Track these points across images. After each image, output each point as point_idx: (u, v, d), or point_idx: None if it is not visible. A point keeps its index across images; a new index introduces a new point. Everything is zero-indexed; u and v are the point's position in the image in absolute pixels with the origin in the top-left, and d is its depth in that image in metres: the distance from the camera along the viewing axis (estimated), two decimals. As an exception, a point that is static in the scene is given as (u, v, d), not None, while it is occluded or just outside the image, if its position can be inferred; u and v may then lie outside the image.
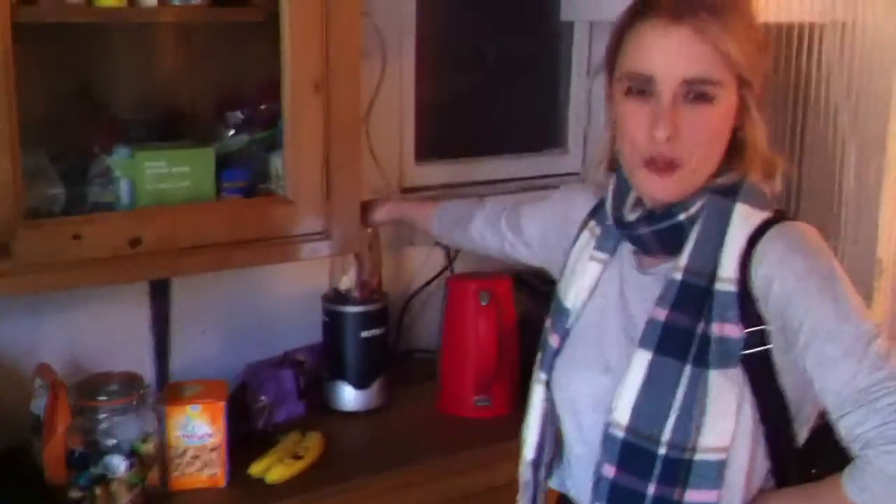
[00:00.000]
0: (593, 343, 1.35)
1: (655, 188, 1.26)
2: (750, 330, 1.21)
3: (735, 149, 1.28)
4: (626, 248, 1.36)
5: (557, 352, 1.38)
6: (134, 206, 1.62)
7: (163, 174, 1.62)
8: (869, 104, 2.58)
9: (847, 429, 1.15)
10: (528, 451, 1.44)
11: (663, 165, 1.23)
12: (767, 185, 1.29)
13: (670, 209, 1.27)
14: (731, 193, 1.26)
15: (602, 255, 1.37)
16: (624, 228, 1.33)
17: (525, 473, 1.45)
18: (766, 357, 1.22)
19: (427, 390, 2.03)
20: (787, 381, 1.22)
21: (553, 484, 1.46)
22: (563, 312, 1.38)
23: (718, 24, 1.20)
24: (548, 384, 1.40)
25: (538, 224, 1.60)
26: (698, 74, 1.20)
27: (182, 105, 1.82)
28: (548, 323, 1.42)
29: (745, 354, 1.21)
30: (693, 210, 1.26)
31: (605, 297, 1.36)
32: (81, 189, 1.62)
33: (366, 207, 1.82)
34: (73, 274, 1.52)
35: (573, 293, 1.38)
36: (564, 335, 1.38)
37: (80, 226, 1.52)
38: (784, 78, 2.37)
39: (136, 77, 1.79)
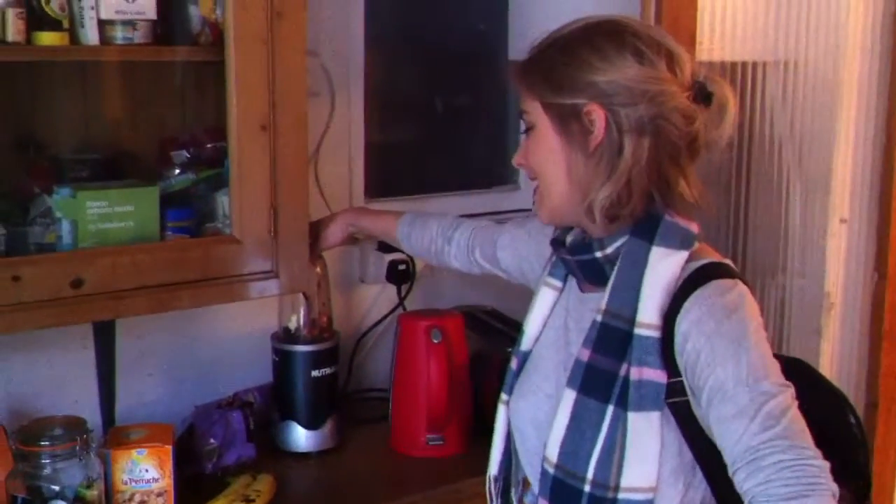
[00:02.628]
0: (539, 371, 1.39)
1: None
2: (674, 380, 1.23)
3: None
4: (573, 278, 1.39)
5: (516, 374, 1.42)
6: (76, 247, 1.59)
7: (105, 214, 1.60)
8: (813, 141, 2.63)
9: (738, 484, 1.16)
10: (493, 466, 1.48)
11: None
12: (689, 221, 1.29)
13: (589, 244, 1.30)
14: (648, 235, 1.26)
15: (555, 282, 1.41)
16: (556, 249, 1.37)
17: (490, 489, 1.50)
18: (689, 406, 1.23)
19: (379, 430, 2.01)
20: (707, 431, 1.23)
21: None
22: (521, 335, 1.43)
23: (530, 61, 1.33)
24: (508, 405, 1.43)
25: (513, 255, 1.62)
26: (521, 107, 1.34)
27: (126, 144, 1.81)
28: None
29: (671, 402, 1.23)
30: (610, 250, 1.28)
31: (553, 327, 1.40)
32: (22, 230, 1.60)
33: (316, 228, 1.80)
34: (12, 317, 1.49)
35: (530, 317, 1.42)
36: (522, 359, 1.42)
37: (20, 267, 1.49)
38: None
39: (78, 116, 1.77)
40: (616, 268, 1.27)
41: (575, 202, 1.29)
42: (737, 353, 1.18)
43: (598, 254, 1.29)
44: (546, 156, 1.30)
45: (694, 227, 1.29)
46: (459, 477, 1.80)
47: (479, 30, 2.43)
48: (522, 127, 1.34)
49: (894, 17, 2.64)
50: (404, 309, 2.19)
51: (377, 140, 2.26)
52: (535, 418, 1.35)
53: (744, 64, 2.49)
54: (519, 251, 1.60)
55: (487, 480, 1.50)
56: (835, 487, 1.12)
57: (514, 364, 1.43)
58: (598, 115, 1.24)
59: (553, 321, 1.40)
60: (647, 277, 1.24)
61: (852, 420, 1.43)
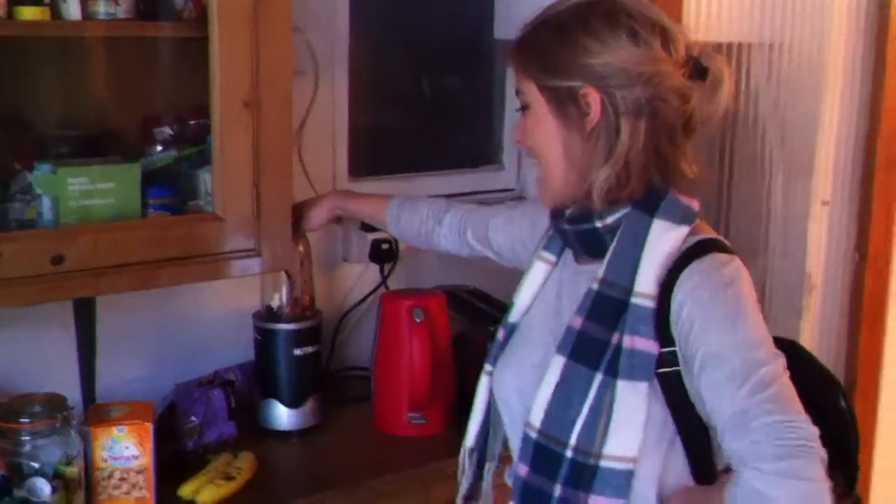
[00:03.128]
0: (527, 342, 1.39)
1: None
2: (666, 350, 1.23)
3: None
4: (569, 251, 1.40)
5: (502, 346, 1.43)
6: (57, 224, 1.58)
7: (86, 191, 1.59)
8: (797, 122, 2.64)
9: (726, 446, 1.18)
10: (469, 438, 1.49)
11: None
12: (691, 199, 1.31)
13: (588, 214, 1.30)
14: (650, 208, 1.28)
15: (549, 256, 1.42)
16: (555, 220, 1.37)
17: (464, 461, 1.51)
18: (680, 377, 1.24)
19: (361, 409, 2.02)
20: (696, 402, 1.25)
21: (508, 480, 1.47)
22: (510, 307, 1.44)
23: (521, 41, 1.32)
24: (492, 375, 1.44)
25: (505, 236, 1.62)
26: (517, 87, 1.34)
27: (108, 121, 1.79)
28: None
29: (661, 372, 1.24)
30: (610, 220, 1.29)
31: (545, 299, 1.40)
32: (2, 206, 1.59)
33: (301, 209, 1.80)
34: (-7, 293, 1.48)
35: (520, 290, 1.43)
36: (510, 330, 1.42)
37: (1, 243, 1.48)
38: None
39: (60, 92, 1.75)
40: (616, 238, 1.28)
41: (574, 184, 1.30)
42: (732, 322, 1.20)
43: (598, 223, 1.29)
44: (544, 137, 1.31)
45: (695, 204, 1.31)
46: (442, 456, 1.81)
47: (465, 10, 2.42)
48: (517, 105, 1.34)
49: (879, 0, 2.64)
50: (387, 288, 2.19)
51: (361, 119, 2.25)
52: (519, 387, 1.36)
53: (729, 45, 2.48)
54: (512, 232, 1.60)
55: (462, 451, 1.51)
56: (823, 453, 1.14)
57: (500, 335, 1.43)
58: (593, 98, 1.25)
59: (544, 294, 1.41)
60: (648, 249, 1.26)
61: (843, 405, 1.45)
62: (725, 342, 1.19)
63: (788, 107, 2.61)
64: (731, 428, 1.16)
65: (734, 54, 2.50)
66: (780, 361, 1.19)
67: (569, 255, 1.40)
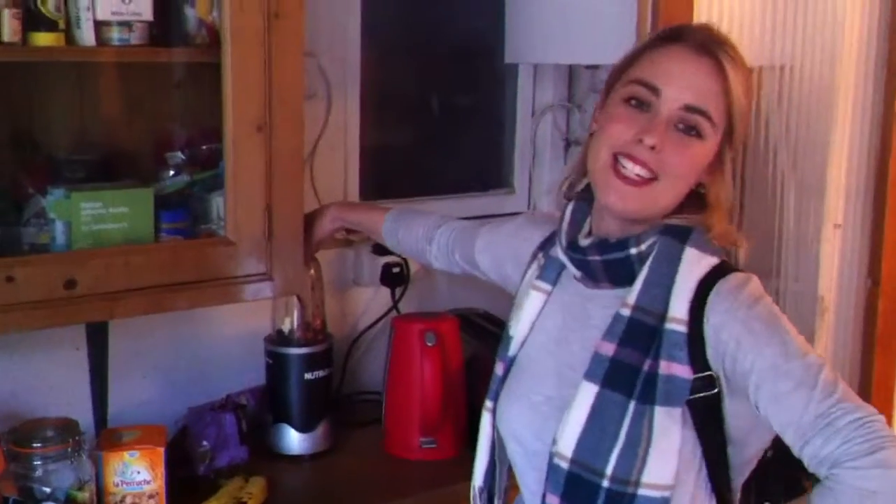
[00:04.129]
0: (532, 374, 1.37)
1: (617, 197, 1.28)
2: (698, 375, 1.23)
3: (692, 204, 1.31)
4: (568, 278, 1.38)
5: (502, 380, 1.41)
6: (70, 248, 1.59)
7: (99, 215, 1.60)
8: (808, 145, 2.63)
9: (811, 454, 1.16)
10: (477, 478, 1.48)
11: (635, 179, 1.26)
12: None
13: (625, 241, 1.29)
14: (682, 236, 1.28)
15: (544, 285, 1.40)
16: (575, 253, 1.34)
17: (476, 500, 1.49)
18: (711, 402, 1.23)
19: (372, 433, 2.01)
20: (732, 426, 1.24)
21: None
22: (507, 340, 1.42)
23: (734, 71, 1.26)
24: (494, 412, 1.41)
25: (491, 257, 1.61)
26: (700, 105, 1.25)
27: (121, 145, 1.80)
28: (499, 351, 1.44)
29: (692, 398, 1.23)
30: (644, 247, 1.28)
31: (545, 330, 1.38)
32: (16, 230, 1.59)
33: (308, 221, 1.79)
34: (5, 318, 1.48)
35: (516, 322, 1.41)
36: (509, 364, 1.41)
37: (14, 268, 1.48)
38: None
39: (73, 117, 1.76)
40: (648, 264, 1.28)
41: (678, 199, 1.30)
42: (777, 333, 1.20)
43: (633, 250, 1.29)
44: (694, 169, 1.29)
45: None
46: (452, 480, 1.80)
47: (476, 33, 2.42)
48: (668, 118, 1.26)
49: (890, 23, 2.65)
50: (398, 312, 2.19)
51: (373, 142, 2.25)
52: (531, 421, 1.34)
53: (740, 68, 2.49)
54: (496, 254, 1.59)
55: (472, 491, 1.49)
56: None
57: (499, 370, 1.41)
58: None
59: (543, 323, 1.39)
60: (681, 275, 1.26)
61: None
62: (780, 353, 1.19)
63: (800, 129, 2.60)
64: (815, 434, 1.15)
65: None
66: (830, 365, 1.19)
67: (567, 281, 1.38)
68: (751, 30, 2.46)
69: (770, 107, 2.56)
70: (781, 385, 1.18)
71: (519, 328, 1.40)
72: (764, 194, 2.62)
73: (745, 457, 1.29)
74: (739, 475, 1.30)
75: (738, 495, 1.31)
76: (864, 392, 2.80)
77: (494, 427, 1.43)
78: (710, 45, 1.26)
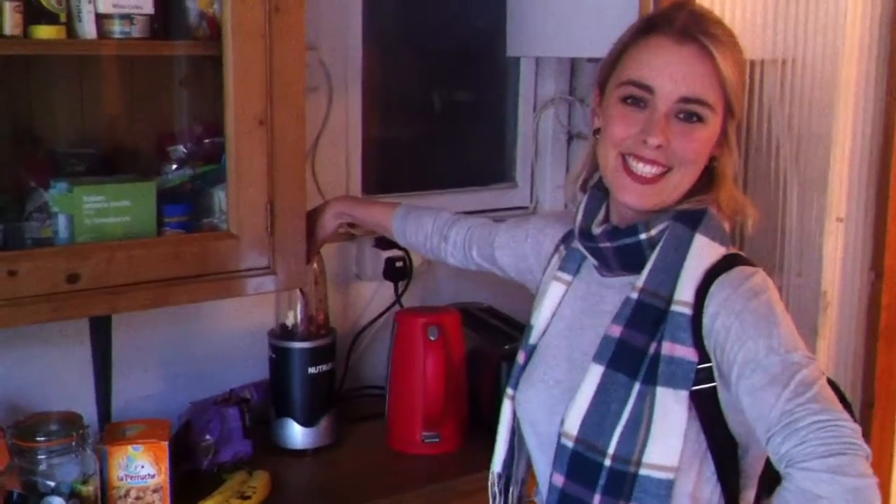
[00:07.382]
0: (549, 360, 1.40)
1: (634, 196, 1.29)
2: (702, 365, 1.24)
3: (704, 179, 1.32)
4: (588, 268, 1.40)
5: (523, 368, 1.43)
6: (72, 242, 1.59)
7: (102, 209, 1.60)
8: (811, 140, 2.63)
9: (773, 451, 1.17)
10: (497, 464, 1.50)
11: (648, 177, 1.27)
12: (727, 221, 1.33)
13: (634, 227, 1.31)
14: (692, 222, 1.29)
15: (566, 276, 1.42)
16: (588, 240, 1.36)
17: (493, 486, 1.50)
18: (711, 395, 1.24)
19: (376, 427, 2.01)
20: (732, 419, 1.25)
21: (536, 500, 1.48)
22: (529, 330, 1.44)
23: (720, 51, 1.25)
24: (514, 399, 1.44)
25: (511, 255, 1.62)
26: (695, 94, 1.26)
27: (123, 139, 1.80)
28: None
29: (694, 389, 1.23)
30: (654, 232, 1.30)
31: (562, 317, 1.41)
32: (18, 224, 1.59)
33: (312, 217, 1.79)
34: (8, 311, 1.48)
35: (538, 312, 1.43)
36: (530, 352, 1.43)
37: (16, 262, 1.48)
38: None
39: (75, 110, 1.76)
40: (657, 249, 1.29)
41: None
42: (767, 327, 1.20)
43: (643, 235, 1.30)
44: (702, 155, 1.30)
45: (727, 225, 1.34)
46: (455, 474, 1.80)
47: (478, 26, 2.42)
48: (667, 112, 1.27)
49: (893, 16, 2.64)
50: (401, 306, 2.19)
51: (375, 136, 2.25)
52: (546, 405, 1.36)
53: (742, 62, 2.49)
54: (517, 251, 1.60)
55: (491, 477, 1.51)
56: (868, 449, 1.13)
57: (521, 358, 1.44)
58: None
59: (562, 312, 1.41)
60: (689, 261, 1.27)
61: None
62: (763, 347, 1.19)
63: (802, 123, 2.59)
64: (777, 431, 1.15)
65: (746, 71, 2.50)
66: (816, 365, 1.19)
67: (587, 271, 1.40)
68: (753, 23, 2.46)
69: (772, 101, 2.55)
70: (757, 378, 1.18)
71: (540, 318, 1.43)
72: (766, 189, 2.61)
73: (752, 453, 1.29)
74: (750, 470, 1.30)
75: (752, 493, 1.31)
76: (868, 387, 2.79)
77: (514, 415, 1.45)
78: (690, 29, 1.26)
